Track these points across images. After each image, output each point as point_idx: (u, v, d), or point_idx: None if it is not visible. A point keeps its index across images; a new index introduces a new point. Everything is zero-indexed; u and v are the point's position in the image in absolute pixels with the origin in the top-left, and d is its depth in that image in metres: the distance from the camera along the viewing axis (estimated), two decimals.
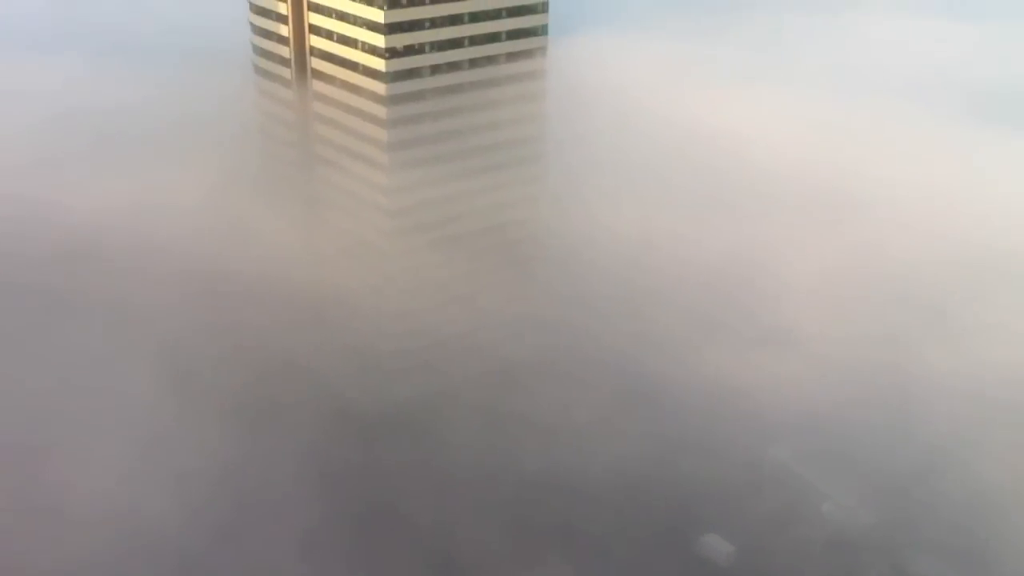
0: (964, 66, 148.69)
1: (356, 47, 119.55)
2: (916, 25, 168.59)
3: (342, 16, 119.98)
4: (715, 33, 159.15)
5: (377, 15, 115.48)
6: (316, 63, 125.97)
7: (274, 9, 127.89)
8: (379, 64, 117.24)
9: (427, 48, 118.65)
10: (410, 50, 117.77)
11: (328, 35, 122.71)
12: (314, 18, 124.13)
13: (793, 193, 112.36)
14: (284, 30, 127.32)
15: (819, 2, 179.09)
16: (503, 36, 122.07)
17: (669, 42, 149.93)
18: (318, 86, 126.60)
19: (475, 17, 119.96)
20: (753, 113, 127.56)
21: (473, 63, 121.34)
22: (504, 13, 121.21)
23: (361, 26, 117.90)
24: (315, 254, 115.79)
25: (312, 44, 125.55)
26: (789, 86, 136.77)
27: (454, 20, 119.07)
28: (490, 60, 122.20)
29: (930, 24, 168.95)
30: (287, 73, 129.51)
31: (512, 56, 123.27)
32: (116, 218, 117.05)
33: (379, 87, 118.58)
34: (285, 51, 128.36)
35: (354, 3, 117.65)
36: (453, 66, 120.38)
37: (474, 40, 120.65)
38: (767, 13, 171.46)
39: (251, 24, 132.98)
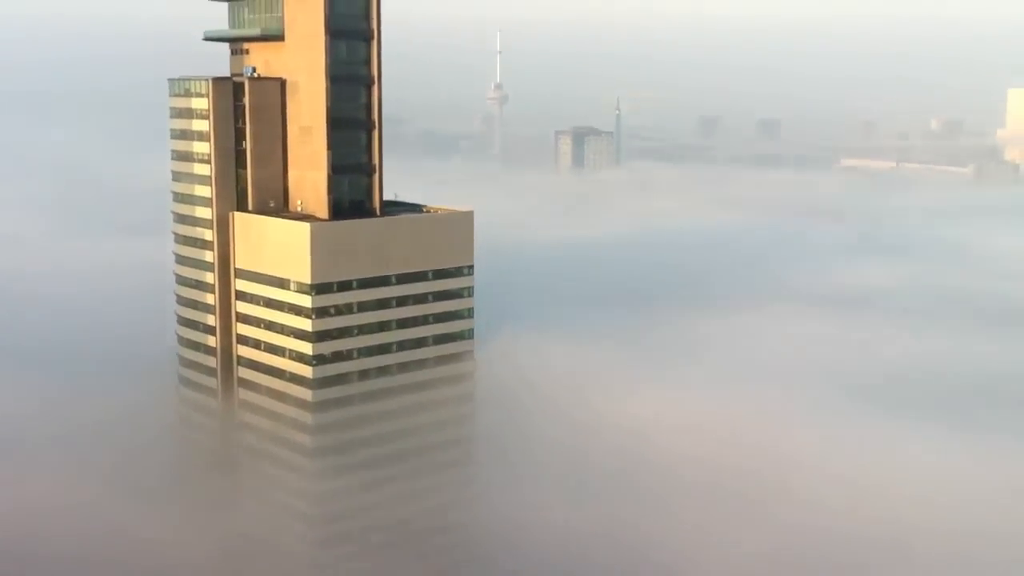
0: (854, 358, 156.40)
1: (284, 355, 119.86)
2: (813, 321, 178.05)
3: (270, 325, 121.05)
4: (632, 331, 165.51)
5: (305, 324, 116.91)
6: (243, 372, 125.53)
7: (202, 320, 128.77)
8: (306, 371, 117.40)
9: (355, 354, 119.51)
10: (338, 356, 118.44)
11: (256, 344, 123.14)
12: (242, 328, 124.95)
13: (707, 483, 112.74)
14: (211, 340, 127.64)
15: (723, 302, 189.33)
16: (430, 340, 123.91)
17: (590, 341, 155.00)
18: (244, 395, 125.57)
19: (403, 323, 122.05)
20: (668, 408, 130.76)
21: (402, 367, 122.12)
22: (431, 319, 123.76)
23: (289, 335, 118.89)
24: (211, 561, 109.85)
25: (239, 353, 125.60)
26: (699, 381, 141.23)
27: (382, 326, 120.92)
28: (419, 364, 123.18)
29: (826, 319, 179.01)
30: (213, 383, 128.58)
31: (440, 359, 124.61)
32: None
33: (306, 393, 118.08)
34: (212, 361, 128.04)
35: (282, 313, 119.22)
36: (382, 371, 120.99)
37: (402, 345, 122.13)
38: (679, 312, 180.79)
39: (178, 335, 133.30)
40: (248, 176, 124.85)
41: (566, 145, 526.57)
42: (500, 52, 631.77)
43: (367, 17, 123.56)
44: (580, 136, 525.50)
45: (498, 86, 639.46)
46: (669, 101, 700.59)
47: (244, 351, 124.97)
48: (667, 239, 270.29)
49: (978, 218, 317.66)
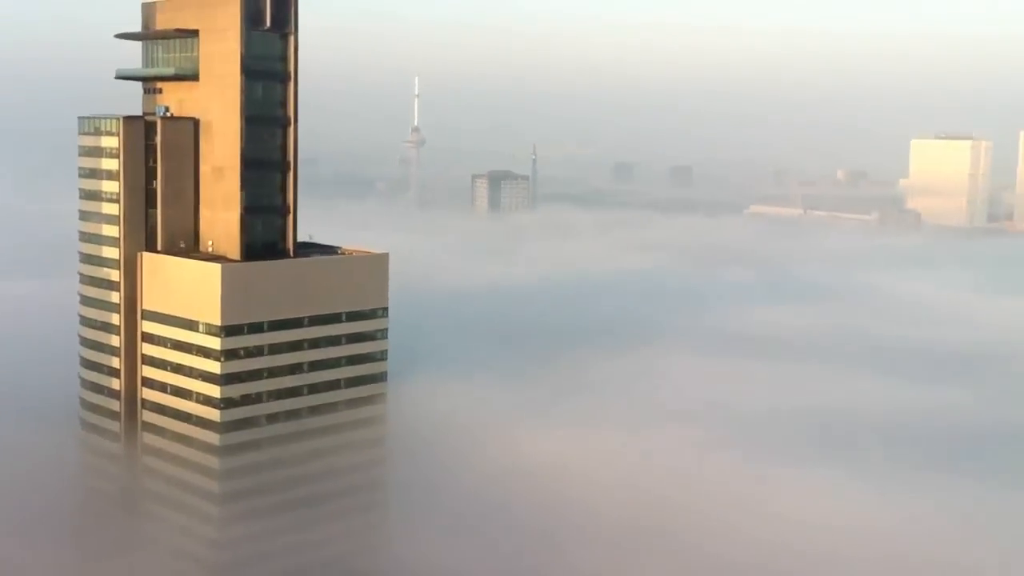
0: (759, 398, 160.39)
1: (191, 399, 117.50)
2: (719, 363, 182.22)
3: (177, 368, 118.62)
4: (544, 372, 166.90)
5: (213, 366, 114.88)
6: (148, 416, 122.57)
7: (106, 363, 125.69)
8: (213, 414, 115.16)
9: (265, 397, 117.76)
10: (247, 399, 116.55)
11: (162, 387, 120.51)
12: (148, 371, 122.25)
13: (614, 525, 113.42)
14: (115, 383, 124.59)
15: (634, 344, 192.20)
16: (343, 383, 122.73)
17: (503, 384, 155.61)
18: (149, 439, 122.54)
19: (315, 366, 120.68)
20: (575, 450, 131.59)
21: (313, 410, 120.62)
22: (344, 361, 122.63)
23: (196, 378, 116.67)
24: None
25: (145, 397, 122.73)
26: (603, 422, 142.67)
27: (294, 369, 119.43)
28: (330, 407, 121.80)
29: (731, 361, 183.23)
30: (116, 427, 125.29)
31: (352, 403, 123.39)
32: None
33: (213, 437, 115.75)
34: (115, 404, 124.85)
35: (190, 355, 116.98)
36: (292, 414, 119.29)
37: (313, 388, 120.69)
38: (591, 354, 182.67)
39: (81, 378, 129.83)
40: (158, 216, 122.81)
41: (483, 188, 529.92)
42: (418, 96, 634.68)
43: (284, 58, 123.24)
44: (497, 180, 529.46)
45: (416, 129, 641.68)
46: (585, 145, 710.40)
47: (150, 394, 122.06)
48: (581, 282, 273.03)
49: (881, 264, 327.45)
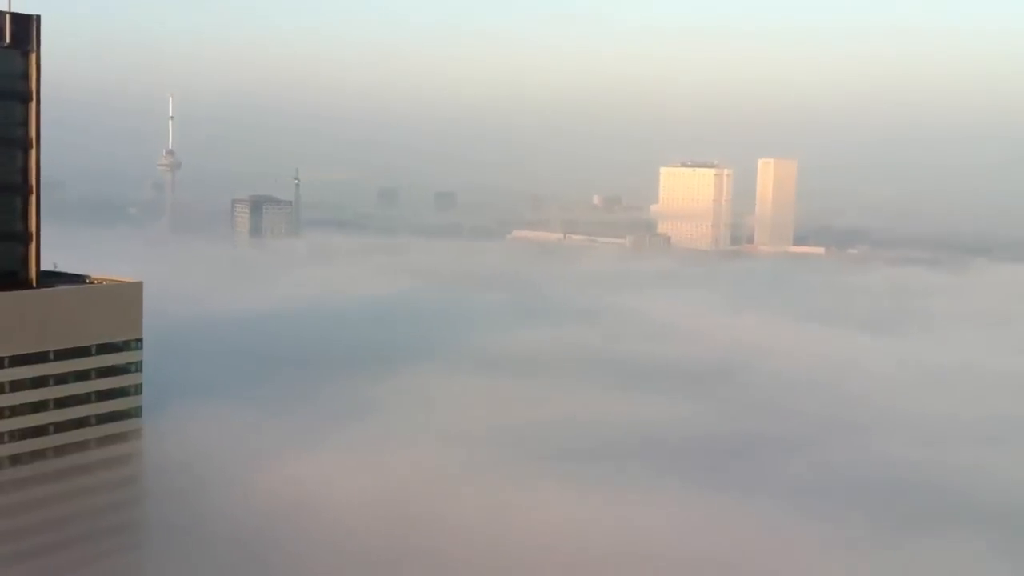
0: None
1: None
2: (480, 383, 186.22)
3: None
4: (307, 399, 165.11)
5: None
6: None
7: None
8: None
9: (5, 438, 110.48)
10: None
11: None
12: None
13: (381, 548, 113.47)
14: None
15: (397, 366, 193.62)
16: (93, 420, 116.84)
17: (264, 414, 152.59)
18: None
19: (62, 403, 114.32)
20: (339, 475, 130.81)
21: (59, 451, 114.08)
22: (94, 397, 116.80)
23: None
24: None
25: None
26: (368, 447, 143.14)
27: (38, 407, 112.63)
28: (79, 446, 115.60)
29: (492, 381, 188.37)
30: None
31: (104, 440, 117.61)
32: None
33: None
34: None
35: None
36: (37, 455, 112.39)
37: (61, 426, 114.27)
38: (354, 378, 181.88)
39: None
40: None
41: (243, 214, 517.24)
42: (173, 117, 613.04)
43: (25, 77, 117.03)
44: (258, 205, 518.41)
45: (170, 152, 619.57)
46: (349, 170, 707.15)
47: None
48: (346, 307, 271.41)
49: (634, 285, 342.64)
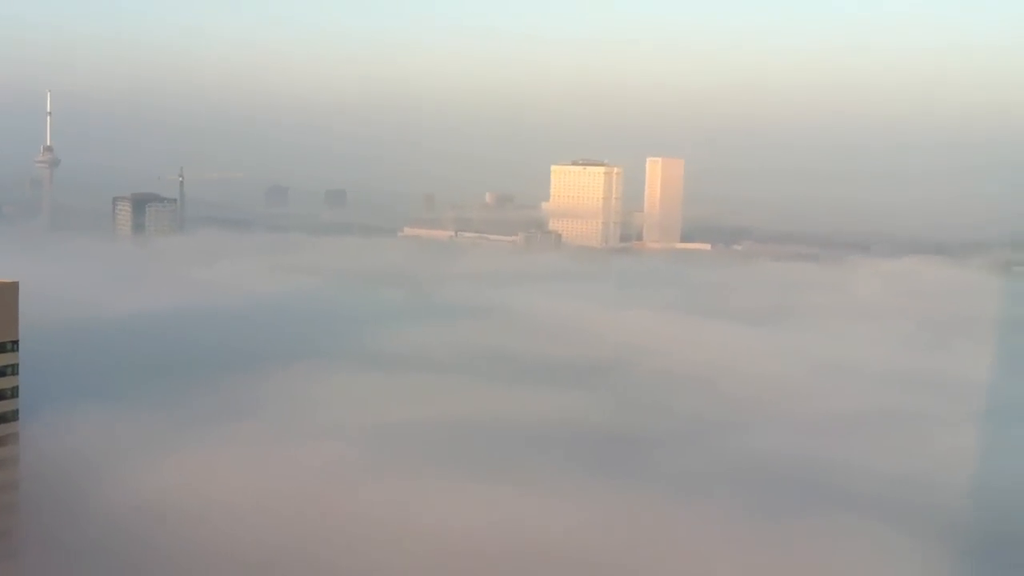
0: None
1: None
2: (370, 380, 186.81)
3: None
4: (192, 398, 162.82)
5: None
6: None
7: None
8: None
9: None
10: None
11: None
12: None
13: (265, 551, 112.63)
14: None
15: (287, 364, 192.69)
16: None
17: (148, 414, 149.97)
18: None
19: None
20: (221, 475, 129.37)
21: None
22: None
23: None
24: None
25: None
26: (254, 445, 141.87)
27: None
28: None
29: (383, 377, 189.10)
30: None
31: None
32: None
33: None
34: None
35: None
36: None
37: None
38: (242, 377, 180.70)
39: None
40: None
41: (125, 212, 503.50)
42: (51, 113, 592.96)
43: None
44: (141, 203, 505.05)
45: (48, 148, 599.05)
46: (237, 169, 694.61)
47: None
48: (232, 305, 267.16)
49: (525, 283, 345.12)
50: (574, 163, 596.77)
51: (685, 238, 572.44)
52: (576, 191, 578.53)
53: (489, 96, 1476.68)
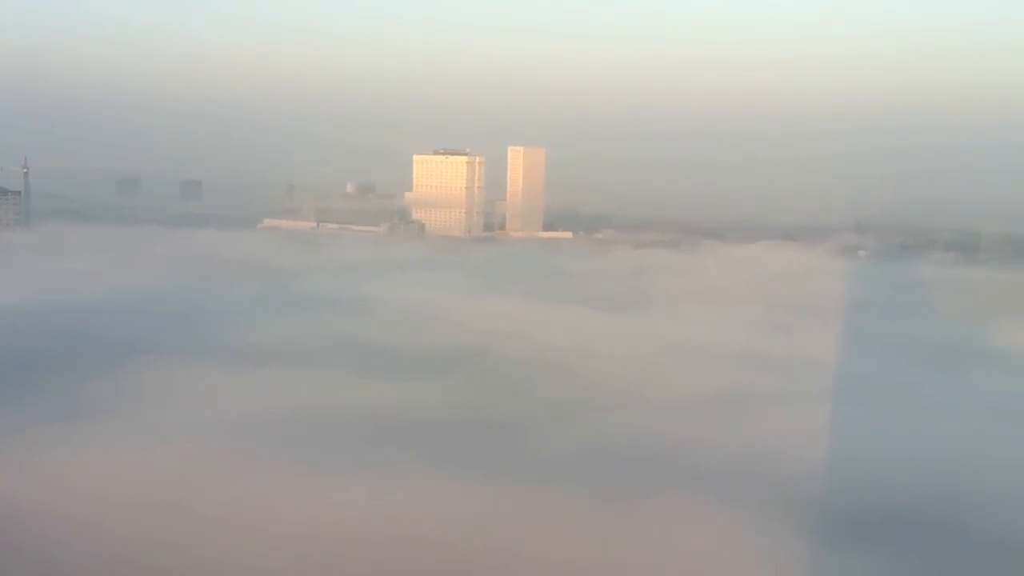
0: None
1: None
2: (225, 374, 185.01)
3: None
4: (33, 400, 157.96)
5: None
6: None
7: None
8: None
9: None
10: None
11: None
12: None
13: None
14: None
15: (138, 360, 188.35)
16: None
17: None
18: None
19: None
20: (71, 474, 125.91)
21: None
22: None
23: None
24: None
25: None
26: (105, 444, 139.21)
27: None
28: None
29: (240, 372, 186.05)
30: None
31: None
32: None
33: None
34: None
35: None
36: None
37: None
38: (91, 375, 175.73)
39: None
40: None
41: None
42: None
43: None
44: None
45: None
46: (85, 160, 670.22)
47: None
48: (83, 301, 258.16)
49: (386, 273, 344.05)
50: (436, 152, 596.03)
51: (547, 227, 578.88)
52: (439, 180, 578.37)
53: (349, 83, 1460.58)
